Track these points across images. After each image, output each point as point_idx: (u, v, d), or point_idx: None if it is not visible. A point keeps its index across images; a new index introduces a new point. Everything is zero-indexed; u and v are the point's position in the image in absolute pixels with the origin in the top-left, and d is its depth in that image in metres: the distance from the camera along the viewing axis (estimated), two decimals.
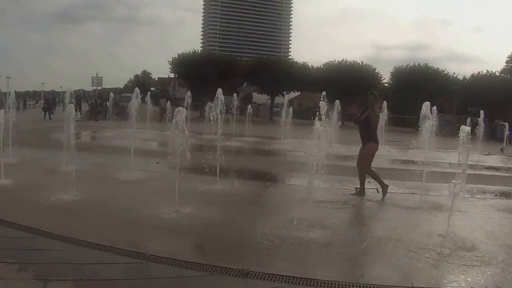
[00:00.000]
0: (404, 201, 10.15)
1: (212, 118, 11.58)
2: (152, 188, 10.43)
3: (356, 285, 5.38)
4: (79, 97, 47.79)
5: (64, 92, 44.14)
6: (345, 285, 5.37)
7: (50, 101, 42.78)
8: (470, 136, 7.39)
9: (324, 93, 10.68)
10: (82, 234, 6.72)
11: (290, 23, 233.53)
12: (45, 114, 38.01)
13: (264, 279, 5.46)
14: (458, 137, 7.35)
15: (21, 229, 6.86)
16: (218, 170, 10.65)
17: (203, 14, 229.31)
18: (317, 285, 5.38)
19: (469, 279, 5.71)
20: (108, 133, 25.10)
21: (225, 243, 6.78)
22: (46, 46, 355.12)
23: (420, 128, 11.22)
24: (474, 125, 23.02)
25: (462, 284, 5.58)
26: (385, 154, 20.40)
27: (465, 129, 7.34)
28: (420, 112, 11.41)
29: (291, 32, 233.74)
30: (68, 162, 9.97)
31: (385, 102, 26.67)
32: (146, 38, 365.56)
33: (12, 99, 16.13)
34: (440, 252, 6.62)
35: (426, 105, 11.17)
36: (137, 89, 16.98)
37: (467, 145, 7.22)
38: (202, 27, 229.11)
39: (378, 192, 10.87)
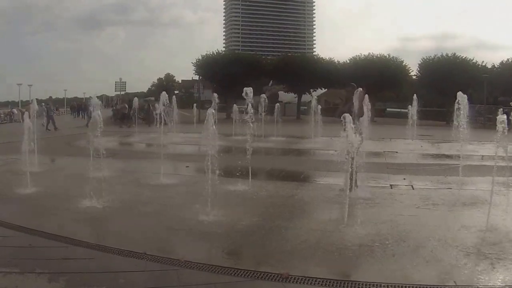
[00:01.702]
0: (442, 197, 9.79)
1: (239, 119, 11.38)
2: (183, 192, 10.29)
3: (397, 286, 5.16)
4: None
5: (88, 98, 44.26)
6: (388, 286, 5.16)
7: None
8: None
9: (359, 89, 10.30)
10: (114, 241, 6.63)
11: (313, 18, 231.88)
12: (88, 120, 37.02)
13: (304, 283, 5.29)
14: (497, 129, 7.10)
15: (52, 238, 6.79)
16: (250, 172, 10.47)
17: (224, 13, 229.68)
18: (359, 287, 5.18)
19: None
20: (137, 138, 25.19)
21: (261, 247, 6.57)
22: (68, 52, 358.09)
23: (452, 122, 10.78)
24: (506, 116, 22.33)
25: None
26: (418, 148, 20.03)
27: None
28: (453, 105, 10.98)
29: (314, 28, 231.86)
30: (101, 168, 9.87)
31: (415, 95, 26.10)
32: (168, 40, 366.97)
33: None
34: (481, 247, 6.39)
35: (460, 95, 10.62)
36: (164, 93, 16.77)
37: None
38: (224, 27, 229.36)
39: (413, 188, 10.60)
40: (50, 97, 55.79)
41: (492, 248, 6.33)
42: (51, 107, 34.99)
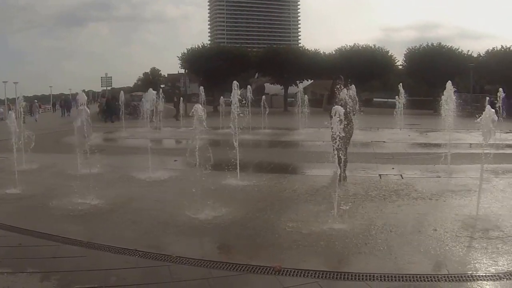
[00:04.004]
0: (432, 185, 9.83)
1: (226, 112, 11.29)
2: (172, 187, 10.23)
3: (390, 276, 5.15)
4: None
5: (75, 94, 43.57)
6: (381, 276, 5.14)
7: (110, 102, 38.82)
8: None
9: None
10: (105, 238, 6.59)
11: (298, 10, 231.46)
12: (105, 117, 36.09)
13: (297, 275, 5.27)
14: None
15: (43, 237, 6.73)
16: (239, 166, 10.40)
17: (209, 7, 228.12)
18: (352, 279, 5.16)
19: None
20: (123, 134, 24.99)
21: (253, 241, 6.56)
22: (53, 49, 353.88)
23: (440, 110, 10.84)
24: (492, 104, 22.56)
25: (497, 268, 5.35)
26: (406, 138, 20.10)
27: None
28: (440, 94, 11.03)
29: (299, 19, 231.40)
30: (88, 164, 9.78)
31: (400, 84, 26.20)
32: (152, 35, 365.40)
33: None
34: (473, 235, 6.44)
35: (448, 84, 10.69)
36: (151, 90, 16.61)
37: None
38: (209, 20, 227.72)
39: (402, 177, 10.65)
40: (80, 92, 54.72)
41: (483, 236, 6.39)
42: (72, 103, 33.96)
